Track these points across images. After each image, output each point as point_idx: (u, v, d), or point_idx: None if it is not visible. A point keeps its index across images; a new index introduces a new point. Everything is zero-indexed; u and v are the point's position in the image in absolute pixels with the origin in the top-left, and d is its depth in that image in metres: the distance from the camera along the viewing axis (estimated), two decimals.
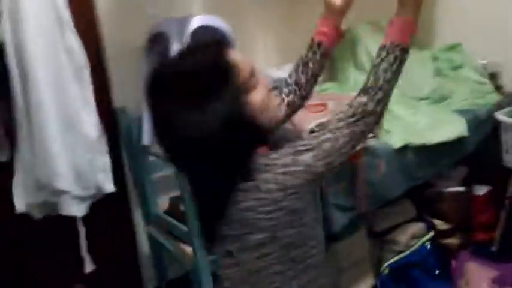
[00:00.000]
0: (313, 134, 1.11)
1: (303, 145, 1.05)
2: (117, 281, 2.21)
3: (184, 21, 1.89)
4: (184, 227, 1.90)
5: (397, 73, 1.15)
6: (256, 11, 2.49)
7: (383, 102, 1.13)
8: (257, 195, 1.02)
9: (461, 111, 2.44)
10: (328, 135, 1.07)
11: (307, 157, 1.04)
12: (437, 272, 2.30)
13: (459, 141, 2.31)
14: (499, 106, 2.51)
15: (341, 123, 1.08)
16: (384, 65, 1.13)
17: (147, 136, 2.02)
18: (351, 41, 2.71)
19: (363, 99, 1.11)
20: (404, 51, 1.14)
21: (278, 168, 1.02)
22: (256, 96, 1.07)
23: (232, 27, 1.98)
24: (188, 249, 1.92)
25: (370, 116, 1.11)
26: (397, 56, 1.13)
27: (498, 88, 2.69)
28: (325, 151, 1.05)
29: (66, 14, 1.68)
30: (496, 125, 2.46)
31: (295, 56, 2.59)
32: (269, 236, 1.04)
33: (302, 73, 1.37)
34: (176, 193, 2.22)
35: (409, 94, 2.53)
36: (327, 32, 1.32)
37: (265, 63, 2.54)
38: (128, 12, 2.08)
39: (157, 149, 2.07)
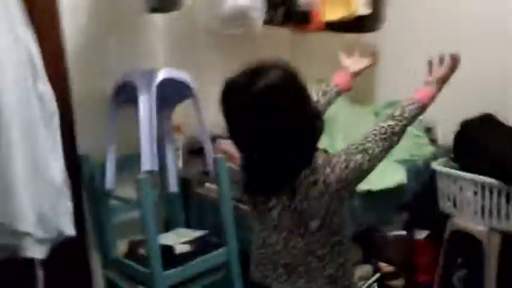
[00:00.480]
0: (357, 142, 1.38)
1: (354, 148, 1.35)
2: None
3: (150, 73, 2.03)
4: (145, 269, 1.96)
5: (416, 117, 1.52)
6: (213, 63, 2.66)
7: (405, 129, 1.46)
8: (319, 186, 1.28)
9: (401, 161, 2.68)
10: (370, 144, 1.36)
11: (358, 157, 1.32)
12: None
13: (400, 189, 2.53)
14: (434, 157, 2.77)
15: (377, 137, 1.38)
16: (411, 107, 1.49)
17: (110, 181, 2.10)
18: None
19: (391, 123, 1.42)
20: (423, 108, 1.53)
21: (337, 164, 1.30)
22: None
23: (193, 79, 2.15)
24: None
25: (395, 135, 1.42)
26: (419, 107, 1.51)
27: (433, 141, 2.97)
28: (369, 154, 1.34)
29: (40, 63, 1.78)
30: (433, 174, 2.71)
31: None
32: (322, 223, 1.31)
33: (322, 96, 1.74)
34: (134, 237, 2.30)
35: None
36: (339, 82, 1.79)
37: None
38: (95, 63, 2.20)
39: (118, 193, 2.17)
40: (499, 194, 2.37)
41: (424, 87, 1.60)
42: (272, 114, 1.24)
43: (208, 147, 2.20)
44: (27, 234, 1.80)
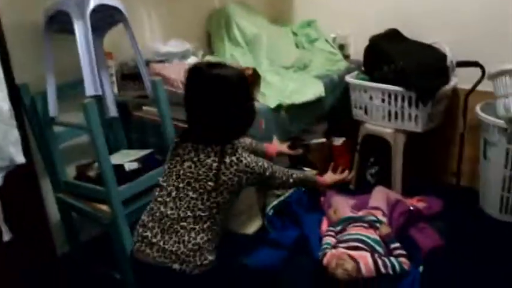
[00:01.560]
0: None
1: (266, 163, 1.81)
2: (30, 248, 2.32)
3: (82, 0, 2.06)
4: (99, 187, 2.11)
5: (304, 185, 2.43)
6: None
7: (292, 185, 2.00)
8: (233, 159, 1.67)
9: (319, 76, 2.96)
10: (277, 169, 1.85)
11: (266, 165, 1.79)
12: (310, 206, 2.81)
13: (319, 101, 2.83)
14: (348, 71, 3.08)
15: (282, 173, 1.88)
16: (310, 180, 2.19)
17: (52, 108, 2.17)
18: (224, 20, 3.06)
19: (294, 175, 1.95)
20: (314, 185, 2.26)
21: (252, 157, 1.72)
22: None
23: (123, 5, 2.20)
24: (103, 207, 2.14)
25: (285, 183, 1.93)
26: (313, 182, 2.23)
27: (346, 57, 3.27)
28: (273, 171, 1.83)
29: None
30: (346, 87, 3.02)
31: (179, 31, 2.89)
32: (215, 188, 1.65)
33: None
34: (80, 162, 2.41)
35: (278, 64, 2.98)
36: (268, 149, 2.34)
37: (152, 38, 2.79)
38: None
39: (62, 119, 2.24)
40: (403, 99, 2.74)
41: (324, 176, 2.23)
42: (221, 94, 1.67)
43: (144, 71, 2.29)
44: None
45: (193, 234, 1.63)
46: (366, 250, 2.22)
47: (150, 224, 1.69)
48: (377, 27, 2.94)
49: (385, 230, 2.36)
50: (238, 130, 1.77)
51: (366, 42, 2.91)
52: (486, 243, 2.57)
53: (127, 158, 2.26)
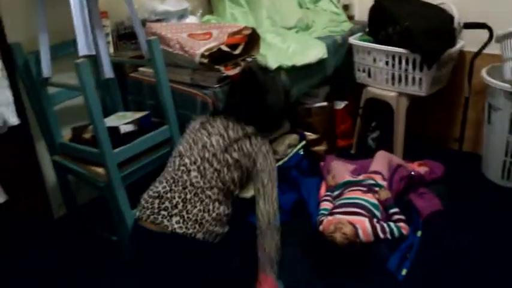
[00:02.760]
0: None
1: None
2: (27, 210, 2.32)
3: None
4: (94, 150, 2.08)
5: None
6: None
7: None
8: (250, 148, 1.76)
9: (322, 37, 2.87)
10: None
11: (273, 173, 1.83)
12: (309, 171, 2.78)
13: (322, 63, 2.75)
14: (352, 33, 2.99)
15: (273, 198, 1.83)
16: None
17: (46, 68, 2.11)
18: None
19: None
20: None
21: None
22: None
23: None
24: (99, 169, 2.11)
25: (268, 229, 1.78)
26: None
27: (350, 18, 3.18)
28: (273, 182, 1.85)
29: None
30: (350, 49, 2.94)
31: None
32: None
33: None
34: (76, 123, 2.37)
35: (279, 24, 2.89)
36: None
37: None
38: None
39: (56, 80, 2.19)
40: (407, 61, 2.66)
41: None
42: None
43: (140, 30, 2.21)
44: None
45: (217, 204, 1.65)
46: (364, 215, 2.20)
47: (169, 194, 1.65)
48: None
49: (384, 194, 2.33)
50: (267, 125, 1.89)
51: (371, 3, 2.82)
52: (487, 208, 2.55)
53: (123, 120, 2.22)
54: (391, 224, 2.19)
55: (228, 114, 1.83)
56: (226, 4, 2.93)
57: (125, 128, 2.16)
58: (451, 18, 2.67)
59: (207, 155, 1.71)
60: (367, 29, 2.89)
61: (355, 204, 2.26)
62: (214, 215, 1.64)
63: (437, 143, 3.10)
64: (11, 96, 2.01)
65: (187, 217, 1.60)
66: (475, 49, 2.67)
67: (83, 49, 1.93)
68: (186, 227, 1.59)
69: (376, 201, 2.29)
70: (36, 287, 2.22)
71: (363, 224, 2.15)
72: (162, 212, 1.61)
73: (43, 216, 2.44)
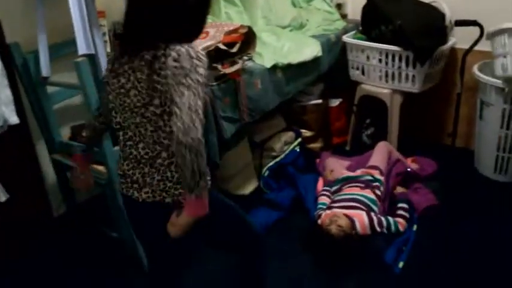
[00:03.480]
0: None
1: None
2: (26, 209, 2.34)
3: None
4: (94, 148, 2.10)
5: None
6: None
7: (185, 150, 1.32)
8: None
9: (316, 36, 2.91)
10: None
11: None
12: (305, 168, 2.82)
13: (316, 61, 2.80)
14: (345, 31, 3.04)
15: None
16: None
17: (45, 68, 2.14)
18: None
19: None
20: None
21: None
22: None
23: None
24: (99, 167, 2.13)
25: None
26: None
27: (343, 16, 3.22)
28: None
29: None
30: (344, 47, 2.98)
31: None
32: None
33: None
34: (75, 122, 2.40)
35: (274, 23, 2.92)
36: None
37: None
38: None
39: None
40: (400, 59, 2.71)
41: None
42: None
43: None
44: None
45: (173, 168, 1.47)
46: (362, 209, 2.24)
47: (130, 172, 1.52)
48: None
49: (400, 190, 2.38)
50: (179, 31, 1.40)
51: (364, 1, 2.86)
52: (480, 203, 2.60)
53: None
54: (389, 218, 2.24)
55: (129, 41, 1.44)
56: (221, 4, 2.96)
57: None
58: (442, 16, 2.72)
59: (137, 119, 1.43)
60: (360, 27, 2.94)
61: (353, 199, 2.30)
62: (175, 179, 1.47)
63: (430, 139, 3.14)
64: (11, 96, 2.02)
65: (152, 190, 1.49)
66: (466, 46, 2.72)
67: (82, 48, 1.96)
68: (153, 196, 1.49)
69: (373, 197, 2.34)
70: (37, 285, 2.23)
71: (361, 217, 2.19)
72: (134, 186, 1.52)
73: (43, 214, 2.46)
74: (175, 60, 1.32)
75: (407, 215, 2.31)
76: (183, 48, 1.34)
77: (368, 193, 2.35)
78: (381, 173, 2.51)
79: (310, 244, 2.32)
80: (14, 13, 2.16)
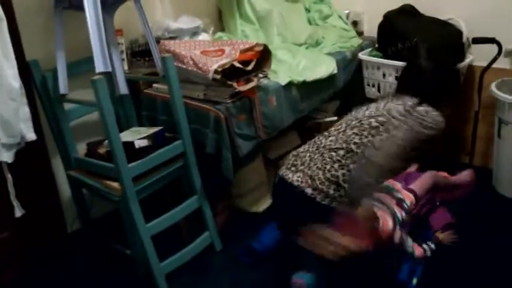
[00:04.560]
0: None
1: None
2: (41, 225, 2.36)
3: None
4: (109, 165, 2.11)
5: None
6: None
7: None
8: None
9: (331, 53, 2.91)
10: None
11: None
12: None
13: (331, 78, 2.79)
14: (361, 48, 3.03)
15: None
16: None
17: (63, 85, 2.16)
18: None
19: None
20: None
21: None
22: None
23: None
24: (114, 184, 2.14)
25: None
26: None
27: (359, 33, 3.22)
28: None
29: None
30: (359, 64, 2.98)
31: (189, 8, 2.86)
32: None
33: None
34: (91, 139, 2.42)
35: (290, 41, 2.93)
36: None
37: (162, 15, 2.76)
38: None
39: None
40: None
41: None
42: None
43: (154, 48, 2.27)
44: None
45: (336, 166, 1.69)
46: (390, 214, 2.14)
47: (302, 154, 1.84)
48: (391, 4, 2.88)
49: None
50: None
51: (380, 19, 2.86)
52: (498, 221, 2.55)
53: (137, 135, 2.25)
54: (409, 240, 2.17)
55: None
56: (237, 22, 2.99)
57: (139, 143, 2.19)
58: (459, 33, 2.70)
59: (353, 122, 1.81)
60: (377, 45, 2.93)
61: (383, 204, 2.23)
62: (328, 175, 1.68)
63: (448, 157, 3.10)
64: (29, 113, 2.05)
65: (306, 172, 1.73)
66: (484, 63, 2.69)
67: (99, 66, 1.98)
68: (300, 181, 1.71)
69: (401, 216, 2.24)
70: None
71: (386, 219, 2.07)
72: (292, 168, 1.79)
73: (57, 230, 2.47)
74: None
75: (426, 247, 2.23)
76: None
77: (397, 210, 2.27)
78: (412, 202, 2.41)
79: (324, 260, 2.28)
80: (34, 32, 2.20)
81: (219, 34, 2.90)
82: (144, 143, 2.21)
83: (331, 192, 1.70)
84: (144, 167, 2.15)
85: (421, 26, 2.73)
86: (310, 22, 3.24)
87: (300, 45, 2.96)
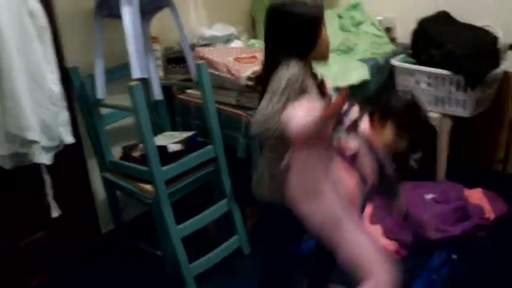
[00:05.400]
0: None
1: None
2: (76, 225, 2.44)
3: None
4: (143, 168, 2.17)
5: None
6: None
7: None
8: None
9: (364, 59, 2.90)
10: None
11: None
12: None
13: (364, 85, 2.78)
14: (394, 54, 3.01)
15: None
16: None
17: (100, 91, 2.24)
18: (268, 3, 3.03)
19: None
20: None
21: None
22: (325, 33, 1.70)
23: None
24: (147, 186, 2.20)
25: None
26: None
27: (392, 40, 3.20)
28: None
29: None
30: (392, 70, 2.96)
31: (223, 15, 2.90)
32: None
33: None
34: (126, 143, 2.49)
35: None
36: None
37: (197, 22, 2.82)
38: None
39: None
40: (450, 83, 2.66)
41: None
42: None
43: (189, 55, 2.33)
44: (34, 142, 1.96)
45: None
46: None
47: None
48: (426, 10, 2.86)
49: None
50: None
51: (413, 25, 2.83)
52: None
53: (170, 140, 2.31)
54: None
55: None
56: None
57: (173, 147, 2.25)
58: (495, 39, 2.66)
59: None
60: (410, 51, 2.91)
61: None
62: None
63: (481, 164, 3.05)
64: (68, 117, 2.13)
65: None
66: None
67: (136, 72, 2.04)
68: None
69: None
70: None
71: None
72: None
73: (91, 230, 2.55)
74: None
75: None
76: None
77: None
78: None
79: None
80: (74, 39, 2.29)
81: (252, 41, 2.94)
82: (177, 147, 2.26)
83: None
84: (177, 170, 2.20)
85: (456, 33, 2.70)
86: (342, 29, 3.23)
87: (332, 51, 2.95)
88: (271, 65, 1.63)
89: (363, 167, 1.55)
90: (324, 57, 1.75)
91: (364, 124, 1.61)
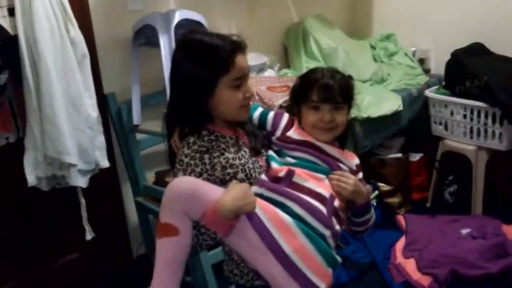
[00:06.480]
0: None
1: None
2: (109, 248, 2.47)
3: (167, 15, 2.18)
4: None
5: None
6: (221, 5, 2.81)
7: None
8: None
9: (397, 90, 2.90)
10: None
11: None
12: (382, 223, 2.74)
13: (396, 115, 2.77)
14: (428, 85, 3.00)
15: None
16: None
17: (136, 116, 2.30)
18: (302, 33, 3.09)
19: None
20: None
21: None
22: (227, 93, 1.42)
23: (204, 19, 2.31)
24: None
25: None
26: None
27: (426, 71, 3.19)
28: None
29: (70, 11, 1.94)
30: (426, 101, 2.94)
31: (257, 44, 2.95)
32: None
33: None
34: (160, 168, 2.53)
35: (355, 77, 2.93)
36: None
37: None
38: (114, 9, 2.34)
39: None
40: (486, 115, 2.61)
41: None
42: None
43: None
44: (72, 165, 2.02)
45: None
46: None
47: None
48: (460, 42, 2.84)
49: None
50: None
51: (448, 57, 2.82)
52: None
53: None
54: None
55: None
56: (302, 59, 3.05)
57: None
58: None
59: None
60: (444, 82, 2.88)
61: None
62: None
63: None
64: (104, 142, 2.19)
65: None
66: None
67: None
68: None
69: None
70: None
71: None
72: None
73: (123, 254, 2.57)
74: None
75: None
76: None
77: None
78: None
79: None
80: (112, 66, 2.37)
81: (285, 70, 2.97)
82: None
83: None
84: None
85: (491, 64, 2.67)
86: (375, 59, 3.25)
87: (365, 81, 2.97)
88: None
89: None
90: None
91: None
